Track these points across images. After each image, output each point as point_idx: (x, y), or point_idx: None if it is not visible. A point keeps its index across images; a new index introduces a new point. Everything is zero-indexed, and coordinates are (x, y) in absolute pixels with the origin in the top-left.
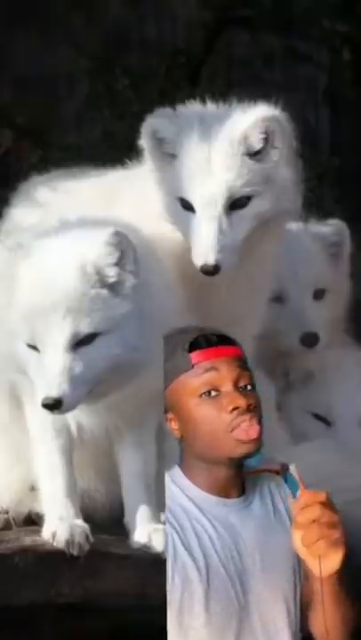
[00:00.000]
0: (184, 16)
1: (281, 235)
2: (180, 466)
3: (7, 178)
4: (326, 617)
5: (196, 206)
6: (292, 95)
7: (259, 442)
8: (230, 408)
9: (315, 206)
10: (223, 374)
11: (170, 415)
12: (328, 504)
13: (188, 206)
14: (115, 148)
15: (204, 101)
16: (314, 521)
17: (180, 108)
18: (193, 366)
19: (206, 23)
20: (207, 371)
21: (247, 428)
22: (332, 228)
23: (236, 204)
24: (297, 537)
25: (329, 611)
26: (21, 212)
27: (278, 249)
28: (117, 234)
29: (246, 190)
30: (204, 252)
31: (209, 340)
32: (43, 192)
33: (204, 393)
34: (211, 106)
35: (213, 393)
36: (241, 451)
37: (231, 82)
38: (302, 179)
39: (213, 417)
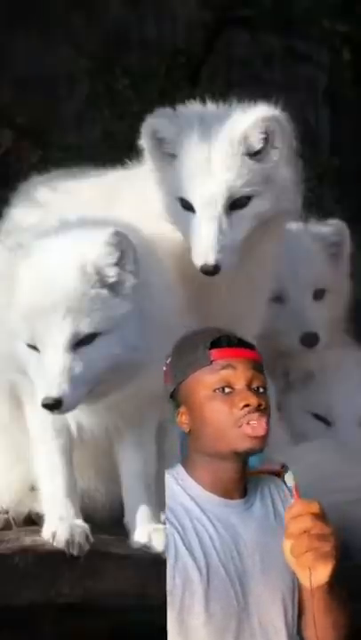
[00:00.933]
0: (184, 16)
1: (281, 235)
2: (184, 463)
3: (7, 178)
4: (317, 627)
5: (196, 206)
6: (292, 95)
7: (264, 440)
8: (241, 405)
9: (315, 206)
10: (239, 373)
11: (181, 409)
12: (320, 515)
13: (188, 206)
14: (115, 148)
15: (204, 101)
16: (305, 532)
17: (180, 108)
18: (212, 362)
19: (206, 23)
20: (224, 368)
21: (255, 425)
22: (332, 228)
23: (236, 203)
24: (287, 547)
25: (319, 620)
26: (21, 212)
27: (278, 249)
28: (117, 234)
29: (246, 190)
30: (204, 252)
31: (230, 341)
32: (43, 192)
33: (218, 389)
34: (211, 106)
35: (227, 390)
36: (246, 445)
37: (231, 82)
38: (302, 179)
39: (224, 411)
